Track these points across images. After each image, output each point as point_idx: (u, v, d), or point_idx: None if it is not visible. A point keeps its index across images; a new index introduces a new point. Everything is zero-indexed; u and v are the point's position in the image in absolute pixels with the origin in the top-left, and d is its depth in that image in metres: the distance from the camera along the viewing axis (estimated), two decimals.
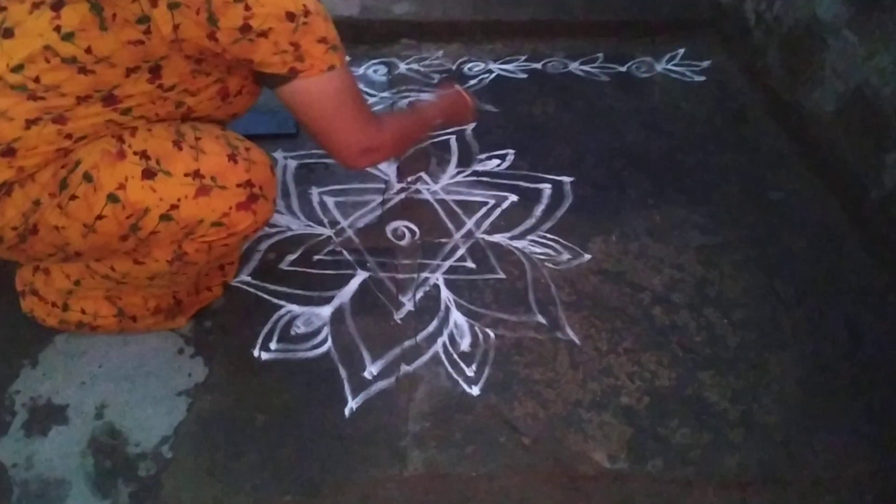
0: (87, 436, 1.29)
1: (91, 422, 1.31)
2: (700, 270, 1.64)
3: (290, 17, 1.09)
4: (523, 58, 2.34)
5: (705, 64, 2.34)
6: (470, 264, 1.62)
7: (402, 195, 1.79)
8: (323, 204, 1.75)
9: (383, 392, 1.37)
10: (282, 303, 1.52)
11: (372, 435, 1.31)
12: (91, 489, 1.22)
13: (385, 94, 2.14)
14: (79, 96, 1.06)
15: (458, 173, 1.87)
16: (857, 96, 1.79)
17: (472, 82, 2.22)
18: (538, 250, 1.66)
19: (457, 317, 1.51)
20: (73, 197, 1.10)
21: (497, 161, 1.91)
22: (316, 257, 1.62)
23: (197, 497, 1.22)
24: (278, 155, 1.88)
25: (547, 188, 1.83)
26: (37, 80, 1.03)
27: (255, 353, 1.42)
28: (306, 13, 1.10)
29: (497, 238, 1.69)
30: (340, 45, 1.19)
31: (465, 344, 1.46)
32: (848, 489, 1.28)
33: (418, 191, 1.80)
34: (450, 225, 1.72)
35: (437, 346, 1.45)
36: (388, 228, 1.70)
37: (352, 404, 1.35)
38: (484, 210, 1.76)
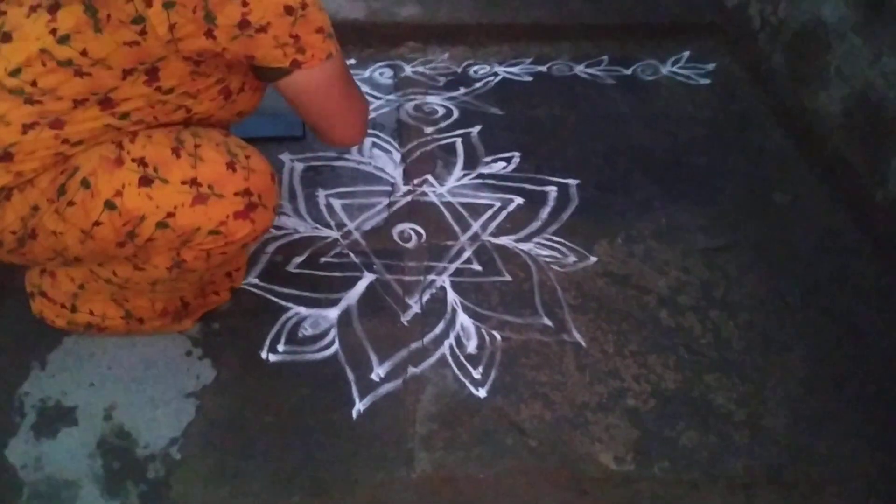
0: (96, 437, 1.29)
1: (100, 423, 1.31)
2: (706, 273, 1.64)
3: (289, 10, 1.08)
4: (528, 60, 2.34)
5: (710, 67, 2.34)
6: (476, 267, 1.63)
7: (409, 198, 1.79)
8: (330, 206, 1.76)
9: (390, 394, 1.38)
10: (289, 305, 1.52)
11: (379, 436, 1.31)
12: (100, 490, 1.22)
13: (391, 97, 2.15)
14: (75, 100, 1.06)
15: (464, 176, 1.87)
16: (863, 99, 1.79)
17: (478, 85, 2.22)
18: (544, 253, 1.67)
19: (463, 319, 1.51)
20: (70, 203, 1.10)
21: (503, 163, 1.92)
22: (323, 259, 1.62)
23: (205, 498, 1.22)
24: (285, 157, 1.88)
25: (552, 191, 1.84)
26: (34, 83, 1.03)
27: (263, 355, 1.43)
28: (304, 5, 1.10)
29: (503, 240, 1.69)
30: (333, 32, 1.19)
31: (471, 346, 1.47)
32: (854, 491, 1.28)
33: (424, 193, 1.81)
34: (456, 227, 1.72)
35: (444, 349, 1.46)
36: (395, 231, 1.70)
37: (359, 406, 1.36)
38: (490, 212, 1.77)
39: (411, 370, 1.42)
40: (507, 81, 2.25)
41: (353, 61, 2.28)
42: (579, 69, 2.32)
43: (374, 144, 1.95)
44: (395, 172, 1.87)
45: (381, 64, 2.30)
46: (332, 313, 1.51)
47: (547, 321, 1.52)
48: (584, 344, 1.48)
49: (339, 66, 1.23)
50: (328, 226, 1.71)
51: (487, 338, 1.48)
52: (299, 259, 1.62)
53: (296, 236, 1.68)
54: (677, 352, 1.48)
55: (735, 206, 1.83)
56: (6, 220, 1.11)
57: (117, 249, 1.16)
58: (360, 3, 2.41)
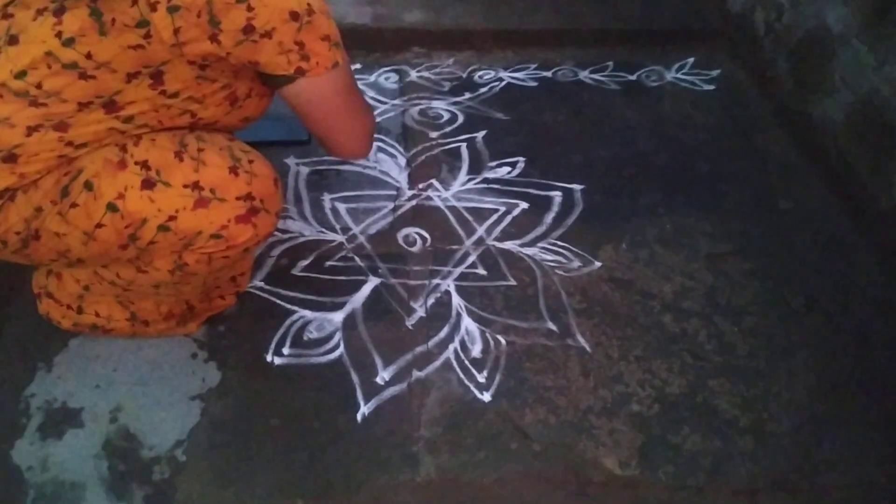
0: (101, 439, 1.30)
1: (105, 425, 1.32)
2: (710, 279, 1.65)
3: (294, 16, 1.08)
4: (534, 66, 2.35)
5: (715, 73, 2.35)
6: (481, 271, 1.63)
7: (414, 202, 1.80)
8: (335, 210, 1.76)
9: (395, 397, 1.38)
10: (294, 308, 1.53)
11: (384, 440, 1.31)
12: (105, 492, 1.23)
13: (396, 102, 2.15)
14: (80, 102, 1.06)
15: (469, 180, 1.88)
16: (867, 106, 1.80)
17: (483, 90, 2.23)
18: (549, 257, 1.67)
19: (468, 323, 1.52)
20: (73, 205, 1.10)
21: (507, 168, 1.92)
22: (328, 263, 1.63)
23: (210, 500, 1.23)
24: (290, 162, 1.89)
25: (557, 196, 1.84)
26: (39, 86, 1.04)
27: (268, 357, 1.43)
28: (310, 12, 1.10)
29: (508, 245, 1.70)
30: (340, 41, 1.19)
31: (476, 350, 1.47)
32: (858, 497, 1.28)
33: (429, 198, 1.81)
34: (461, 232, 1.73)
35: (449, 353, 1.46)
36: (400, 235, 1.71)
37: (364, 409, 1.36)
38: (495, 217, 1.77)
39: (416, 374, 1.42)
40: (512, 87, 2.26)
41: (358, 66, 2.29)
42: (584, 75, 2.32)
43: (380, 149, 1.96)
44: (400, 177, 1.87)
45: (386, 69, 2.31)
46: (338, 317, 1.51)
47: (551, 326, 1.52)
48: (588, 349, 1.48)
49: (345, 77, 1.22)
50: (333, 230, 1.71)
51: (492, 342, 1.48)
52: (304, 262, 1.62)
53: (301, 240, 1.68)
54: (682, 357, 1.48)
55: (739, 211, 1.83)
56: (10, 221, 1.11)
57: (119, 251, 1.16)
58: (366, 7, 2.42)
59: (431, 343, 1.48)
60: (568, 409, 1.38)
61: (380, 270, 1.62)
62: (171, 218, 1.12)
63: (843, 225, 1.81)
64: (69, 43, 1.02)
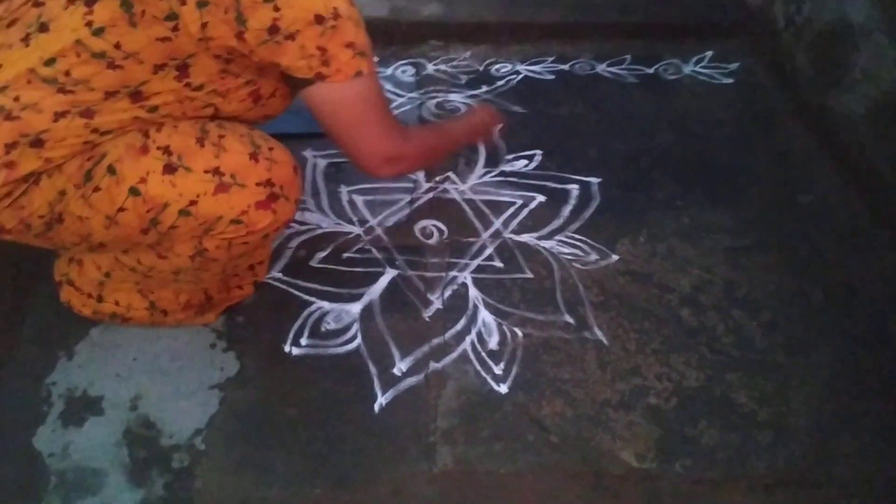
0: (122, 427, 1.31)
1: (126, 413, 1.33)
2: (728, 272, 1.64)
3: (319, 19, 1.08)
4: (551, 59, 2.34)
5: (734, 66, 2.33)
6: (498, 263, 1.63)
7: (431, 194, 1.80)
8: (352, 202, 1.77)
9: (412, 388, 1.39)
10: (312, 299, 1.53)
11: (401, 430, 1.32)
12: (126, 479, 1.24)
13: (413, 95, 2.15)
14: (107, 91, 1.08)
15: (486, 173, 1.88)
16: (888, 99, 1.78)
17: (500, 83, 2.22)
18: (566, 250, 1.67)
19: (485, 315, 1.52)
20: (96, 189, 1.12)
21: (525, 161, 1.92)
22: (345, 255, 1.63)
23: (229, 488, 1.24)
24: (308, 154, 1.89)
25: (574, 189, 1.84)
26: (67, 73, 1.05)
27: (286, 348, 1.44)
28: (336, 16, 1.10)
29: (525, 238, 1.70)
30: (369, 52, 1.18)
31: (493, 342, 1.47)
32: (877, 492, 1.28)
33: (446, 190, 1.82)
34: (478, 224, 1.73)
35: (466, 344, 1.46)
36: (417, 227, 1.71)
37: (381, 400, 1.37)
38: (512, 210, 1.77)
39: (433, 365, 1.42)
40: (529, 80, 2.25)
41: (375, 59, 2.28)
42: (601, 68, 2.31)
43: None
44: None
45: (403, 62, 2.31)
46: (355, 308, 1.52)
47: (569, 318, 1.52)
48: (605, 342, 1.48)
49: (368, 88, 1.21)
50: (351, 221, 1.72)
51: (509, 334, 1.49)
52: (322, 254, 1.63)
53: (319, 231, 1.69)
54: (699, 350, 1.48)
55: (758, 205, 1.82)
56: (34, 205, 1.13)
57: (141, 236, 1.17)
58: (383, 1, 2.42)
59: (448, 335, 1.48)
60: (585, 402, 1.38)
61: (397, 262, 1.62)
62: (192, 202, 1.13)
63: (862, 218, 1.79)
64: (99, 32, 1.04)
